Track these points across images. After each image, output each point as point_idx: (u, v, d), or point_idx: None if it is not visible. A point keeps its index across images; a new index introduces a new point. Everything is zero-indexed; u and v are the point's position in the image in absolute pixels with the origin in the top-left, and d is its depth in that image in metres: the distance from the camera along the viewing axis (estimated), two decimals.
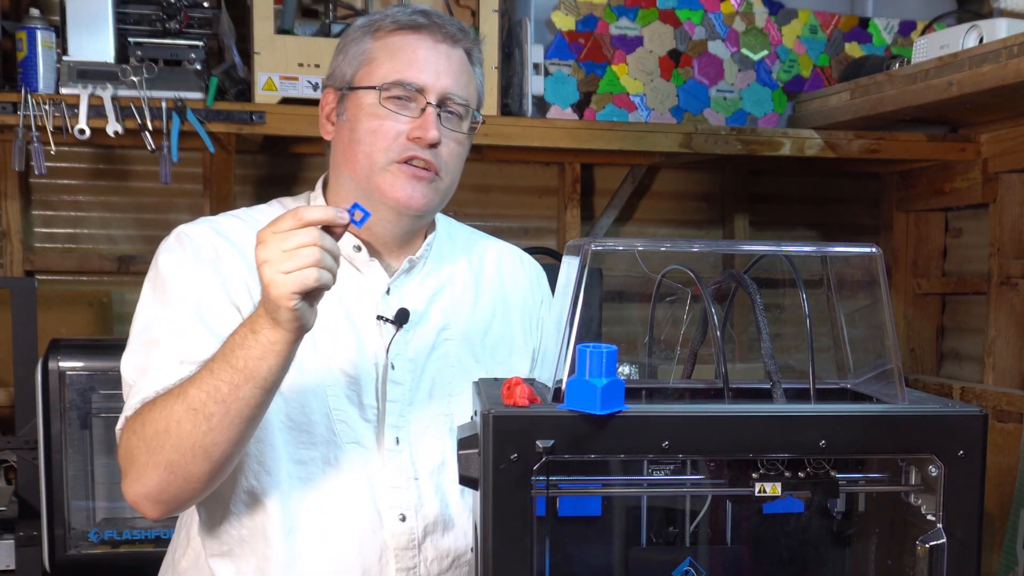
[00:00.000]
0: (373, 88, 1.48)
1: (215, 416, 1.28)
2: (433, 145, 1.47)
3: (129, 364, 1.43)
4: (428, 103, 1.47)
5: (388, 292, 1.53)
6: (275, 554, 1.44)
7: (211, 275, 1.45)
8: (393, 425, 1.49)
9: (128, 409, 1.38)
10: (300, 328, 1.26)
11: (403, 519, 1.48)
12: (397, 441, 1.49)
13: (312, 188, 1.61)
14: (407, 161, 1.47)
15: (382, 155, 1.47)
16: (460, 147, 1.53)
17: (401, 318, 1.50)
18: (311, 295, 1.25)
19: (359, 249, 1.53)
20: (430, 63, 1.49)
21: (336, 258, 1.25)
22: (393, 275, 1.54)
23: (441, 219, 1.65)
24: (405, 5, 1.55)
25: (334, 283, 1.25)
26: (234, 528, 1.46)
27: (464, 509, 1.52)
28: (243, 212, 1.59)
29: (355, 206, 1.26)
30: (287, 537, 1.44)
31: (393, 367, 1.50)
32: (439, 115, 1.48)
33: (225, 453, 1.33)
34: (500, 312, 1.63)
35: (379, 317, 1.51)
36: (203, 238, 1.49)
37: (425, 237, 1.59)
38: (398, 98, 1.47)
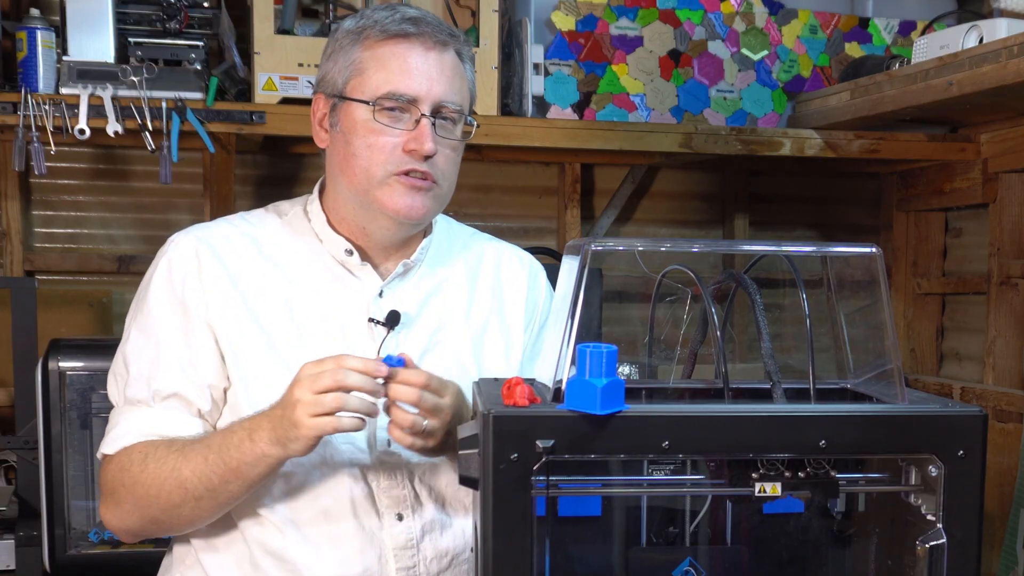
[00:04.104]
0: (366, 102, 1.46)
1: (203, 499, 1.40)
2: (429, 157, 1.46)
3: (113, 386, 1.52)
4: (422, 114, 1.46)
5: (381, 295, 1.53)
6: (275, 557, 1.45)
7: (193, 297, 1.47)
8: (385, 428, 1.47)
9: (108, 445, 1.46)
10: (298, 453, 1.35)
11: (400, 519, 1.48)
12: (390, 443, 1.48)
13: (311, 189, 1.60)
14: (405, 173, 1.46)
15: (379, 169, 1.46)
16: (455, 152, 1.52)
17: (392, 320, 1.49)
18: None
19: (351, 253, 1.52)
20: (422, 72, 1.46)
21: (366, 396, 1.32)
22: (387, 278, 1.54)
23: (441, 220, 1.65)
24: (393, 8, 1.51)
25: (360, 427, 1.34)
26: (231, 534, 1.48)
27: (460, 508, 1.52)
28: (239, 217, 1.59)
29: (387, 359, 1.35)
30: (286, 539, 1.45)
31: None
32: (433, 124, 1.47)
33: (208, 521, 1.45)
34: (496, 313, 1.62)
35: (370, 319, 1.50)
36: (189, 252, 1.50)
37: (423, 239, 1.58)
38: (391, 110, 1.46)
